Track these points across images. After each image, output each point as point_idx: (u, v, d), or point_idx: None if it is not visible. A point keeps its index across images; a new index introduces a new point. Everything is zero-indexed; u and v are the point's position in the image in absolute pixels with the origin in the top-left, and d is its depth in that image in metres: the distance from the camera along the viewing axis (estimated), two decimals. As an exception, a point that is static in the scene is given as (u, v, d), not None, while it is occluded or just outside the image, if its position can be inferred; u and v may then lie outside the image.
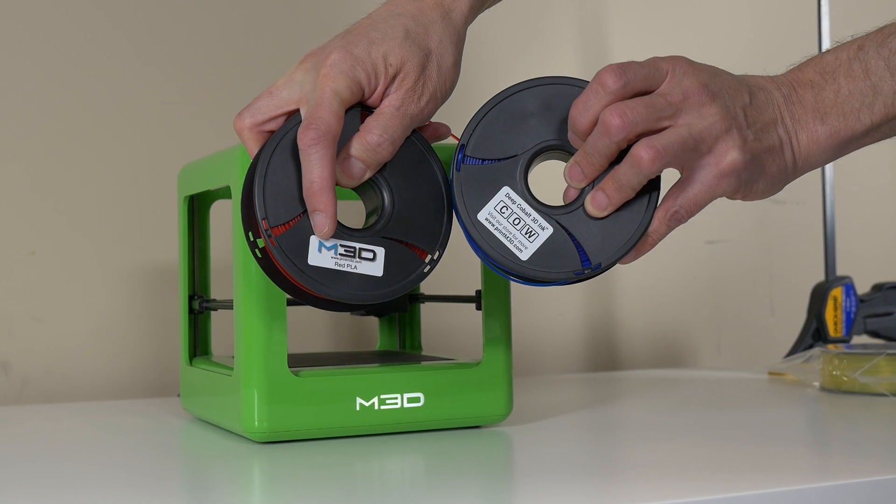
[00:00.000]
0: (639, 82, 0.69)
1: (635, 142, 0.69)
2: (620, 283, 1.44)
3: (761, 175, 0.72)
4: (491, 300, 0.85)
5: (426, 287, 1.06)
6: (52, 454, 0.81)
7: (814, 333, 1.25)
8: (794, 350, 1.26)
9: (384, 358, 0.93)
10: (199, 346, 0.95)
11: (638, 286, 1.45)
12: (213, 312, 0.97)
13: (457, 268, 1.08)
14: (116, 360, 1.16)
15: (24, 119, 1.14)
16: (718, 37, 1.50)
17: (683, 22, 1.49)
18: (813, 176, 1.35)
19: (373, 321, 1.21)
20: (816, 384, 1.11)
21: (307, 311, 1.15)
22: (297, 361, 0.87)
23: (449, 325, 1.27)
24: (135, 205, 1.17)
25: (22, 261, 1.13)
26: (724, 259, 1.51)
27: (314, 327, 1.23)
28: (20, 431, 0.93)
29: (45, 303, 1.14)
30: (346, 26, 0.76)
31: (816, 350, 1.11)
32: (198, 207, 0.95)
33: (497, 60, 1.37)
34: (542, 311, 1.39)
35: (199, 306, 0.94)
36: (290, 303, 0.81)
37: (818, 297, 1.25)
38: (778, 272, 1.54)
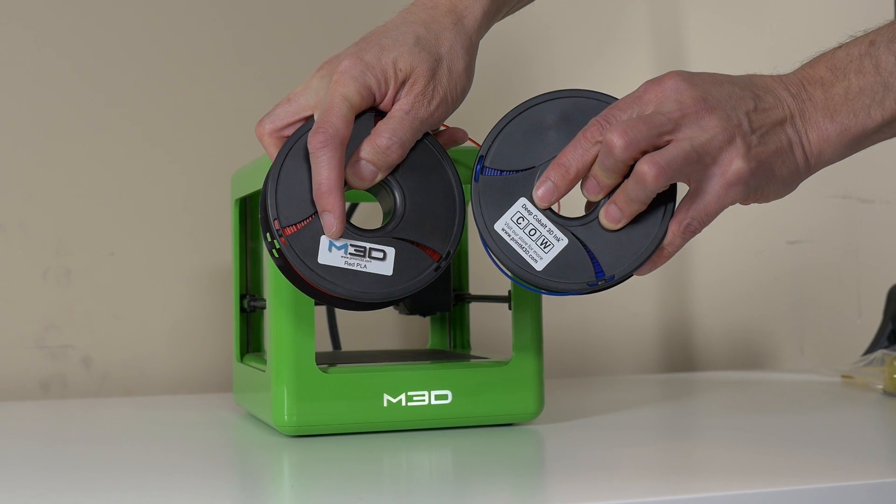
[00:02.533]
0: None
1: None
2: (698, 283, 1.42)
3: (770, 179, 0.72)
4: (521, 299, 0.87)
5: (475, 287, 1.08)
6: (114, 442, 0.87)
7: (890, 335, 1.22)
8: (869, 353, 1.22)
9: (421, 356, 0.95)
10: (251, 343, 0.99)
11: (716, 287, 1.43)
12: (265, 311, 1.00)
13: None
14: (190, 356, 1.21)
15: (104, 128, 1.20)
16: (799, 35, 1.46)
17: (760, 23, 1.47)
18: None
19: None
20: (880, 387, 1.08)
21: (378, 312, 1.18)
22: (331, 359, 0.89)
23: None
24: (209, 207, 1.22)
25: (102, 261, 1.19)
26: (808, 260, 1.48)
27: (386, 327, 1.26)
28: (97, 421, 1.00)
29: (124, 301, 1.20)
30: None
31: (879, 353, 1.08)
32: (250, 209, 0.99)
33: (568, 66, 1.38)
34: (616, 310, 1.38)
35: (248, 305, 0.97)
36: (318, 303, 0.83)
37: (894, 298, 1.21)
38: (866, 273, 1.50)
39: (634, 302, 1.39)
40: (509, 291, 0.88)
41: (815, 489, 0.65)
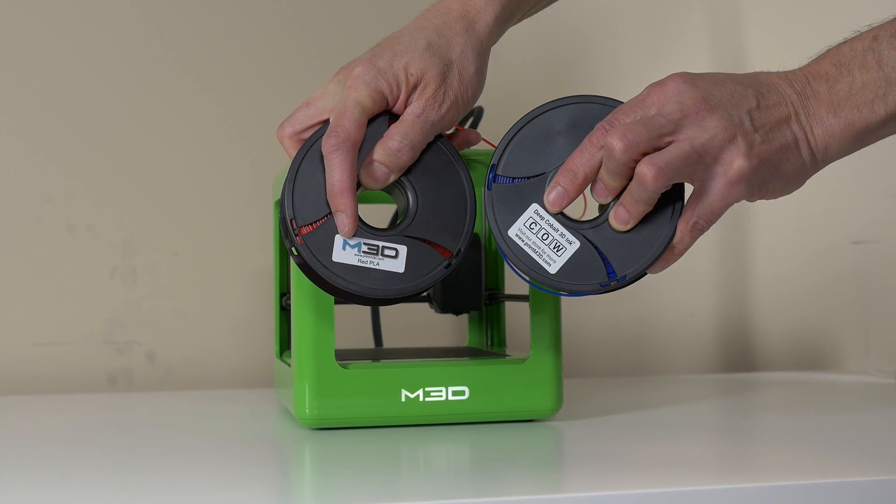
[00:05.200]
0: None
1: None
2: (758, 282, 1.41)
3: (775, 176, 0.73)
4: (539, 298, 0.88)
5: (513, 287, 1.09)
6: (164, 431, 0.93)
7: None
8: (924, 356, 1.20)
9: (444, 353, 0.98)
10: (291, 340, 1.03)
11: (776, 286, 1.42)
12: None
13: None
14: (249, 353, 1.26)
15: (167, 135, 1.26)
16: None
17: (822, 18, 1.45)
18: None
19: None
20: (926, 391, 1.06)
21: (421, 311, 1.20)
22: (353, 355, 0.93)
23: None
24: (268, 209, 1.26)
25: (167, 261, 1.25)
26: (874, 259, 1.45)
27: (431, 326, 1.29)
28: (155, 413, 1.05)
29: (187, 299, 1.25)
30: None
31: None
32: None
33: (626, 63, 1.39)
34: (673, 309, 1.38)
35: (285, 303, 1.01)
36: (338, 302, 0.86)
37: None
38: (936, 275, 1.46)
39: (691, 300, 1.39)
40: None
41: (813, 486, 0.66)
